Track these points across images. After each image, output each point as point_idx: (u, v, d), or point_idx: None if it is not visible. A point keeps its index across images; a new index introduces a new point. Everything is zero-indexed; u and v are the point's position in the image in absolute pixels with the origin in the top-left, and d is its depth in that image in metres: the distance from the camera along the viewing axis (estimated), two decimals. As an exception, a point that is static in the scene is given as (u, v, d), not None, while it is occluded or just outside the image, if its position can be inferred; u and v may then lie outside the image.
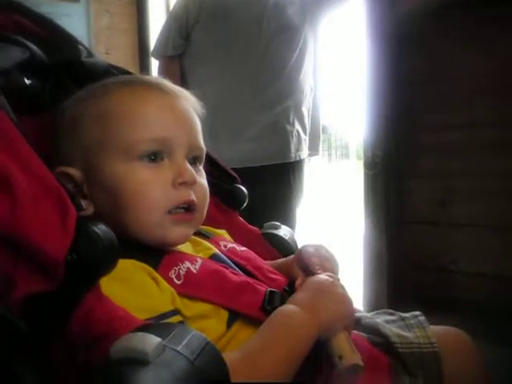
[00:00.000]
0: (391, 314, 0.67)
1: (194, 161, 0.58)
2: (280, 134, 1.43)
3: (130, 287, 0.45)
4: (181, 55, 1.51)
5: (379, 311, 0.69)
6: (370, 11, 1.35)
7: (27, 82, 0.55)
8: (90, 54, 0.67)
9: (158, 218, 0.52)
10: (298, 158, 1.47)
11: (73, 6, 2.07)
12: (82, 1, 2.10)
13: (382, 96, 1.35)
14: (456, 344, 0.62)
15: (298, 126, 1.46)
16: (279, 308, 0.50)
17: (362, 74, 1.41)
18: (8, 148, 0.40)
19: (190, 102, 0.59)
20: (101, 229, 0.39)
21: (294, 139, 1.45)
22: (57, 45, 0.62)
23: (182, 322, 0.45)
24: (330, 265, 0.61)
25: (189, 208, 0.55)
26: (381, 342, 0.61)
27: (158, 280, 0.48)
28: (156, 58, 1.61)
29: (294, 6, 1.47)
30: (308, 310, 0.49)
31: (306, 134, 1.51)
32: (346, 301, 0.54)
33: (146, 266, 0.49)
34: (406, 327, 0.63)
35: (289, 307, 0.50)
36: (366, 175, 1.46)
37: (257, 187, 1.26)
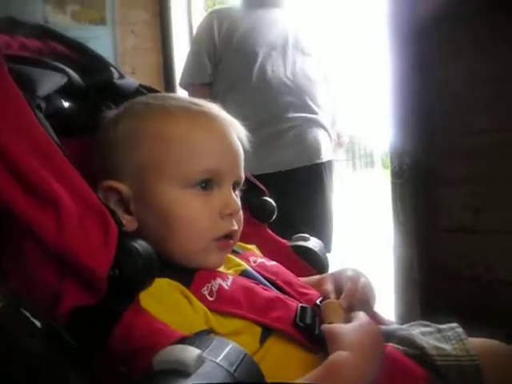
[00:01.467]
0: (427, 326, 0.65)
1: (236, 188, 0.60)
2: (305, 140, 1.56)
3: (165, 306, 0.46)
4: (210, 83, 1.61)
5: (414, 323, 0.67)
6: (392, 13, 1.34)
7: (65, 105, 0.58)
8: (121, 76, 0.70)
9: (203, 245, 0.54)
10: (324, 160, 1.59)
11: (100, 29, 2.15)
12: (109, 23, 2.18)
13: (408, 101, 1.33)
14: (496, 357, 0.60)
15: (319, 132, 1.59)
16: (329, 357, 0.48)
17: (387, 78, 1.40)
18: (53, 169, 0.42)
19: (238, 132, 0.61)
20: (141, 245, 0.41)
21: (318, 144, 1.58)
22: (90, 68, 0.65)
23: None
24: (367, 295, 0.60)
25: (230, 236, 0.57)
26: (417, 354, 0.60)
27: (191, 299, 0.49)
28: (185, 88, 1.66)
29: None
30: (357, 357, 0.47)
31: (330, 138, 1.64)
32: (382, 349, 0.53)
33: (179, 284, 0.50)
34: (444, 339, 0.62)
35: (339, 355, 0.48)
36: (394, 184, 1.43)
37: (291, 190, 1.47)
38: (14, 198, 0.40)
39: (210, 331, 0.46)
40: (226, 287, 0.52)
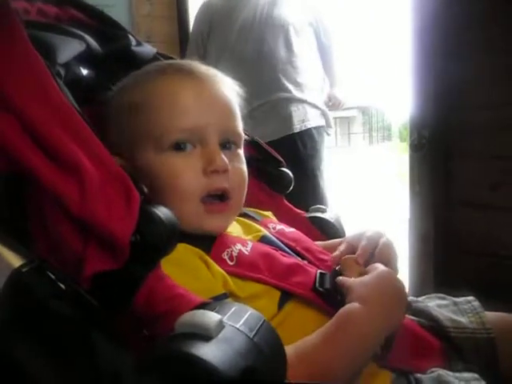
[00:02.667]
0: (443, 299, 0.66)
1: (229, 146, 0.58)
2: (280, 114, 1.68)
3: (183, 270, 0.47)
4: None
5: (430, 295, 0.68)
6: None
7: (84, 72, 0.58)
8: (138, 43, 0.69)
9: (192, 207, 0.53)
10: (303, 128, 1.69)
11: (117, -3, 2.12)
12: (124, -10, 2.15)
13: (429, 72, 1.29)
14: (511, 331, 0.60)
15: (291, 107, 1.68)
16: (343, 308, 0.49)
17: (407, 48, 1.35)
18: (75, 136, 0.42)
19: (225, 85, 0.59)
20: (162, 211, 0.41)
21: (297, 113, 1.68)
22: (109, 35, 0.64)
23: None
24: (387, 254, 0.59)
25: (223, 196, 0.55)
26: (432, 326, 0.60)
27: (209, 263, 0.50)
28: None
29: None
30: (372, 308, 0.48)
31: (313, 107, 1.73)
32: (404, 296, 0.53)
33: (197, 249, 0.50)
34: (460, 312, 0.62)
35: (353, 307, 0.48)
36: (412, 157, 1.41)
37: None
38: (38, 166, 0.41)
39: (226, 295, 0.47)
40: (246, 252, 0.53)
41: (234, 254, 0.52)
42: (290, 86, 1.66)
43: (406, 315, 0.61)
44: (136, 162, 0.54)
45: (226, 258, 0.51)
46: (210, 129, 0.55)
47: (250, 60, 1.63)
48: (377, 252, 0.59)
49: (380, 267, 0.53)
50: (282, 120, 1.67)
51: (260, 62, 1.63)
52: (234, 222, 0.62)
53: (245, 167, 0.60)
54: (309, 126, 1.71)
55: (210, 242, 0.53)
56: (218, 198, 0.55)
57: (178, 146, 0.54)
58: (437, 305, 0.64)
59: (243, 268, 0.51)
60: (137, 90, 0.57)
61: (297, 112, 1.69)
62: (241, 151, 0.60)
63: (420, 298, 0.67)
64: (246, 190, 0.60)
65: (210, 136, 0.55)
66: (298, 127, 1.68)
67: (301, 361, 0.42)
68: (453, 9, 1.22)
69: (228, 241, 0.54)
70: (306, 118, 1.71)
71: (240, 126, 0.60)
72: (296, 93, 1.67)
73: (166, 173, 0.53)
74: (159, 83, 0.56)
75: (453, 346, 0.58)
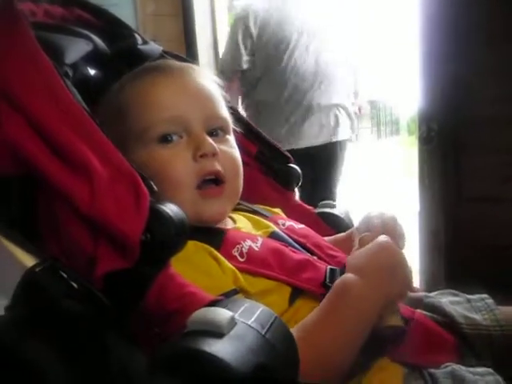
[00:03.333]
0: (456, 295, 0.65)
1: (216, 132, 0.58)
2: (324, 122, 1.80)
3: (193, 267, 0.47)
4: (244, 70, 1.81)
5: (443, 291, 0.67)
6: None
7: (91, 72, 0.58)
8: (144, 42, 0.69)
9: (188, 196, 0.53)
10: (340, 139, 1.83)
11: (121, -5, 2.12)
12: (129, -11, 2.15)
13: (438, 64, 1.27)
14: None
15: (339, 114, 1.81)
16: (338, 280, 0.49)
17: (415, 38, 1.33)
18: (84, 135, 0.43)
19: (202, 75, 0.60)
20: (172, 209, 0.41)
21: (336, 125, 1.81)
22: (115, 34, 0.64)
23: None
24: (393, 228, 0.59)
25: (217, 180, 0.55)
26: (445, 322, 0.60)
27: (219, 260, 0.50)
28: (228, 76, 1.82)
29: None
30: (368, 279, 0.48)
31: (349, 118, 1.86)
32: (405, 268, 0.51)
33: (206, 246, 0.51)
34: (473, 309, 0.61)
35: (348, 279, 0.49)
36: (421, 150, 1.40)
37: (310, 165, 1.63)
38: (47, 166, 0.41)
39: (237, 291, 0.47)
40: (256, 248, 0.53)
41: (245, 251, 0.52)
42: (343, 94, 1.82)
43: (420, 310, 0.61)
44: (132, 162, 0.54)
45: (236, 254, 0.51)
46: (193, 116, 0.55)
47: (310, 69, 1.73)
48: (382, 227, 0.59)
49: (380, 239, 0.53)
50: (329, 126, 1.80)
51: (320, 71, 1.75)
52: (244, 219, 0.62)
53: (236, 152, 0.60)
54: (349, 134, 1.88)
55: (219, 239, 0.53)
56: (213, 183, 0.55)
57: (165, 138, 0.54)
58: (450, 301, 0.63)
59: (254, 264, 0.51)
60: (121, 92, 0.58)
61: (343, 119, 1.83)
62: (230, 137, 0.60)
63: (432, 294, 0.66)
64: (241, 174, 0.60)
65: (194, 123, 0.55)
66: (343, 135, 1.84)
67: (303, 342, 0.41)
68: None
69: (238, 237, 0.54)
70: (351, 126, 1.87)
71: (224, 110, 0.60)
72: (344, 100, 1.82)
73: (157, 166, 0.53)
74: (138, 83, 0.57)
75: (466, 343, 0.57)
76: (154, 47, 0.69)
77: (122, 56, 0.63)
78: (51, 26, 0.57)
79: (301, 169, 0.78)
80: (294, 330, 0.43)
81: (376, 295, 0.48)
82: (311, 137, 1.77)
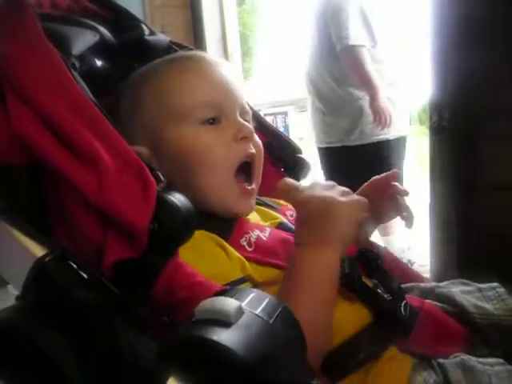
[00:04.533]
0: (467, 285, 0.64)
1: (244, 117, 0.60)
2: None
3: (200, 256, 0.47)
4: None
5: (454, 281, 0.66)
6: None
7: (98, 63, 0.58)
8: (151, 32, 0.69)
9: (225, 178, 0.55)
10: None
11: (128, -13, 2.12)
12: (136, -19, 2.14)
13: (449, 51, 1.25)
14: None
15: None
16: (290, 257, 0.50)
17: (426, 26, 1.31)
18: (92, 126, 0.43)
19: (230, 69, 0.62)
20: (179, 199, 0.41)
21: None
22: (122, 25, 0.64)
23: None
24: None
25: (248, 165, 0.57)
26: (456, 312, 0.59)
27: (226, 249, 0.50)
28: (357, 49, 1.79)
29: None
30: (317, 243, 0.48)
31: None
32: (334, 204, 0.49)
33: (213, 235, 0.51)
34: (484, 298, 0.60)
35: (297, 252, 0.49)
36: (432, 140, 1.38)
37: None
38: (56, 156, 0.42)
39: (245, 279, 0.48)
40: (264, 238, 0.54)
41: (253, 240, 0.53)
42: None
43: (430, 301, 0.60)
44: (162, 145, 0.55)
45: (244, 243, 0.52)
46: (231, 104, 0.58)
47: None
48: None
49: (300, 198, 0.52)
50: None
51: None
52: (254, 212, 0.62)
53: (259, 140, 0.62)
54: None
55: (228, 228, 0.54)
56: (244, 173, 0.57)
57: (208, 121, 0.56)
58: (460, 291, 0.62)
59: (261, 254, 0.51)
60: (154, 79, 0.58)
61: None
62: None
63: (443, 284, 0.66)
64: (262, 164, 0.62)
65: (233, 110, 0.58)
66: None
67: None
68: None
69: (246, 227, 0.55)
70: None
71: (247, 104, 0.63)
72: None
73: (201, 144, 0.55)
74: (176, 69, 0.59)
75: (477, 333, 0.57)
76: (162, 38, 0.69)
77: (129, 47, 0.63)
78: (58, 17, 0.57)
79: None
80: None
81: (322, 248, 0.48)
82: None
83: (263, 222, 0.60)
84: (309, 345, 0.36)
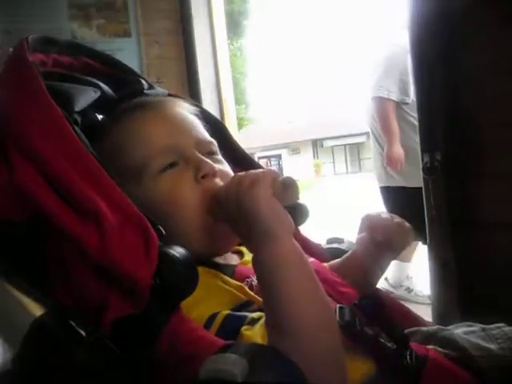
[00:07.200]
0: (470, 326, 0.63)
1: (209, 155, 0.58)
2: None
3: (202, 287, 0.45)
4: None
5: (458, 324, 0.65)
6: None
7: (99, 117, 0.60)
8: (150, 86, 0.71)
9: (199, 221, 0.52)
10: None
11: (125, 41, 2.21)
12: (134, 35, 2.24)
13: (435, 91, 1.28)
14: None
15: None
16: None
17: (413, 71, 1.35)
18: (93, 182, 0.43)
19: (182, 106, 0.61)
20: (180, 253, 0.41)
21: None
22: (121, 80, 0.66)
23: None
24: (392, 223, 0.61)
25: None
26: (459, 357, 0.58)
27: (226, 280, 0.51)
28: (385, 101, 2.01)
29: None
30: (262, 242, 0.44)
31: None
32: (252, 194, 0.44)
33: (213, 270, 0.52)
34: (488, 338, 0.59)
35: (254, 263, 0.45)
36: (426, 180, 1.40)
37: None
38: (58, 213, 0.42)
39: (251, 302, 0.48)
40: None
41: (254, 284, 0.52)
42: None
43: (433, 346, 0.59)
44: (137, 203, 0.50)
45: (247, 288, 0.51)
46: (186, 142, 0.56)
47: None
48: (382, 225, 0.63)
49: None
50: None
51: None
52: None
53: (230, 171, 0.59)
54: None
55: (227, 274, 0.53)
56: None
57: (165, 168, 0.54)
58: (463, 332, 0.61)
59: None
60: (110, 134, 0.57)
61: None
62: (220, 157, 0.60)
63: (449, 327, 0.65)
64: None
65: (189, 148, 0.56)
66: None
67: (287, 342, 0.39)
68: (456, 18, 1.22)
69: (247, 271, 0.54)
70: None
71: (207, 135, 0.61)
72: None
73: (163, 197, 0.52)
74: (126, 122, 0.58)
75: (483, 376, 0.55)
76: (160, 91, 0.71)
77: (129, 100, 0.65)
78: (60, 75, 0.58)
79: None
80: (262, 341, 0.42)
81: (269, 243, 0.44)
82: None
83: None
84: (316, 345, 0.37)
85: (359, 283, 0.63)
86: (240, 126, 12.13)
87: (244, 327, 0.44)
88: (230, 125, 2.11)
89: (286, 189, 0.45)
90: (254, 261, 0.45)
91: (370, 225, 0.64)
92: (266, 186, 0.45)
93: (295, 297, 0.42)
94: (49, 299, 0.41)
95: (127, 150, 0.55)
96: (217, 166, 0.56)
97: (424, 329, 0.64)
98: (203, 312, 0.45)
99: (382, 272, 0.68)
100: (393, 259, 0.68)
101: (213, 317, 0.45)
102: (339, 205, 7.29)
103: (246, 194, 0.44)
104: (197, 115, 0.62)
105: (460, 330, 0.62)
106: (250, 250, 0.47)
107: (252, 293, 0.50)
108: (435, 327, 0.65)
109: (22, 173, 0.43)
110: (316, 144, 24.65)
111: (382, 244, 0.64)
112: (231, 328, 0.44)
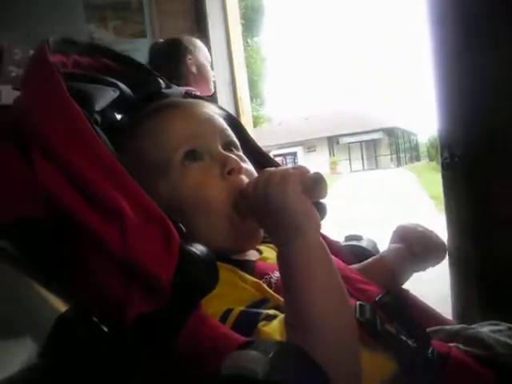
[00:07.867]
0: (496, 325, 0.62)
1: (231, 148, 0.58)
2: None
3: (220, 283, 0.44)
4: None
5: (483, 323, 0.64)
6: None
7: (118, 117, 0.60)
8: (168, 85, 0.71)
9: (223, 219, 0.52)
10: None
11: (141, 41, 2.25)
12: (149, 35, 2.27)
13: (454, 90, 1.27)
14: None
15: None
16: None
17: (431, 67, 1.33)
18: (115, 181, 0.44)
19: (209, 107, 0.62)
20: (201, 250, 0.41)
21: None
22: (140, 80, 0.67)
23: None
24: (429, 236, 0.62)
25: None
26: (485, 356, 0.57)
27: (243, 277, 0.51)
28: None
29: None
30: (289, 238, 0.44)
31: None
32: (283, 189, 0.45)
33: (230, 266, 0.52)
34: None
35: (280, 257, 0.46)
36: (445, 177, 1.37)
37: None
38: (81, 212, 0.42)
39: (266, 299, 0.48)
40: None
41: (273, 281, 0.52)
42: None
43: (457, 344, 0.58)
44: (159, 200, 0.50)
45: (264, 285, 0.51)
46: (211, 138, 0.56)
47: None
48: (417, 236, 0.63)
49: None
50: None
51: None
52: (269, 249, 0.62)
53: (252, 167, 0.59)
54: None
55: (249, 271, 0.53)
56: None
57: (191, 156, 0.54)
58: (490, 330, 0.60)
59: (282, 295, 0.50)
60: (137, 133, 0.58)
61: None
62: (244, 156, 0.60)
63: (473, 326, 0.63)
64: None
65: (214, 142, 0.56)
66: None
67: (308, 338, 0.40)
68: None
69: (266, 268, 0.55)
70: None
71: (234, 135, 0.61)
72: None
73: (189, 189, 0.52)
74: (153, 121, 0.58)
75: (509, 375, 0.54)
76: (177, 90, 0.72)
77: (148, 100, 0.66)
78: (81, 75, 0.59)
79: None
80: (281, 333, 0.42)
81: (297, 239, 0.44)
82: None
83: None
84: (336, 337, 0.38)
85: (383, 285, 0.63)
86: (255, 123, 12.16)
87: (261, 323, 0.44)
88: (246, 123, 2.11)
89: (315, 185, 0.46)
90: (281, 255, 0.46)
91: (406, 236, 0.64)
92: (296, 182, 0.45)
93: (322, 293, 0.43)
94: (72, 296, 0.42)
95: (154, 146, 0.56)
96: (242, 163, 0.56)
97: (448, 327, 0.63)
98: (217, 308, 0.46)
99: (405, 281, 0.68)
100: (422, 270, 0.67)
101: (227, 312, 0.46)
102: (356, 202, 7.24)
103: (275, 190, 0.45)
104: (224, 118, 0.63)
105: (486, 329, 0.61)
106: (277, 245, 0.47)
107: (270, 290, 0.50)
108: (459, 326, 0.64)
109: (45, 173, 0.44)
110: (332, 141, 24.51)
111: (418, 256, 0.64)
112: (247, 324, 0.44)
